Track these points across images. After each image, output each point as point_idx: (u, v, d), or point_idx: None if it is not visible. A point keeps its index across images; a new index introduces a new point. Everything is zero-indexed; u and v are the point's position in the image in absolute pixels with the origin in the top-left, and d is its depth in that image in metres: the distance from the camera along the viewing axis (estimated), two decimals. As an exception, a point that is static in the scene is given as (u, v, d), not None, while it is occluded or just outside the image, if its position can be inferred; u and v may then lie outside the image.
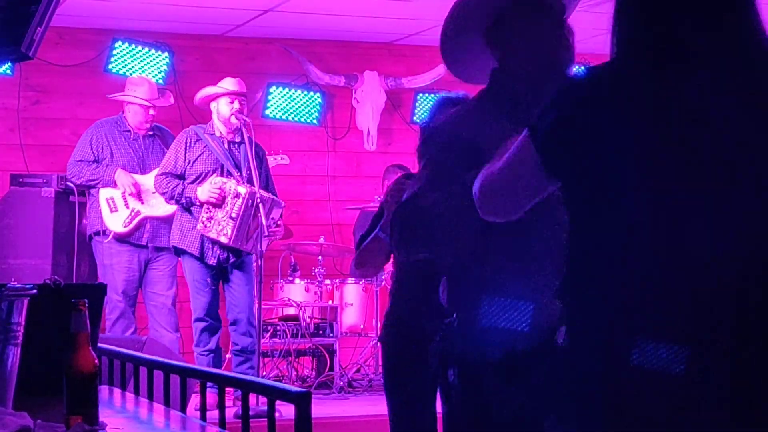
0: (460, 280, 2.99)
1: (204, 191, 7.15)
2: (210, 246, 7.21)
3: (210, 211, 7.15)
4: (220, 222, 7.12)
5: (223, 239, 7.12)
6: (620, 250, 2.21)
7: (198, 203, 7.19)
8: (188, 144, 7.32)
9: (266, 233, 7.07)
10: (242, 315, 7.29)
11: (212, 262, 7.23)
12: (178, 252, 7.38)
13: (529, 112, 2.46)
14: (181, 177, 7.28)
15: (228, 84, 7.47)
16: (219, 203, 7.13)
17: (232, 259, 7.25)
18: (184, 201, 7.24)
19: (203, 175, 7.25)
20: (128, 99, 7.86)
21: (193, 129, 7.44)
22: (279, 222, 7.43)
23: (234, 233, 7.10)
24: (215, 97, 7.43)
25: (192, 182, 7.24)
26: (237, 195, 7.12)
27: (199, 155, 7.30)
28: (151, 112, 7.86)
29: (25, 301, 2.56)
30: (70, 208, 7.86)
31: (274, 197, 7.32)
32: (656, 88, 2.22)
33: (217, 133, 7.39)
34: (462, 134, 3.09)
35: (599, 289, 2.22)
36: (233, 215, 7.11)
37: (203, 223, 7.15)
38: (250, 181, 7.16)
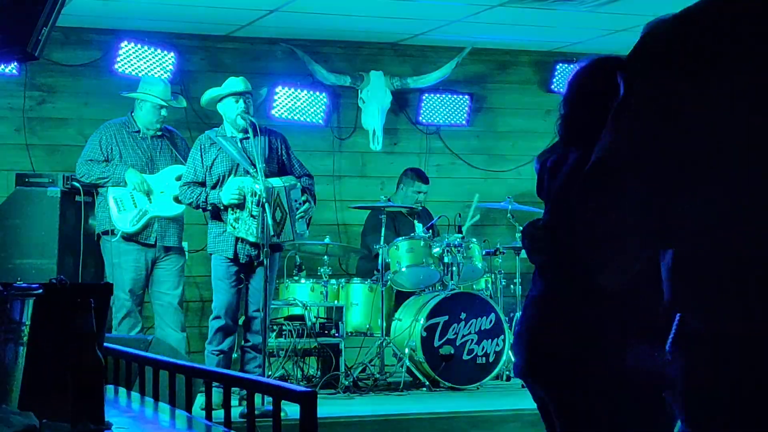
0: None
1: (226, 194, 7.21)
2: (242, 246, 7.29)
3: (235, 212, 7.21)
4: (246, 221, 7.17)
5: (251, 237, 7.18)
6: None
7: (223, 207, 7.24)
8: (203, 150, 7.38)
9: (272, 232, 7.07)
10: (259, 313, 7.31)
11: (244, 260, 7.31)
12: (212, 254, 7.46)
13: None
14: (203, 184, 7.34)
15: (231, 84, 7.47)
16: (242, 203, 7.18)
17: (261, 257, 7.29)
18: (210, 207, 7.30)
19: (222, 178, 7.30)
20: (142, 97, 7.86)
21: (206, 134, 7.50)
22: (302, 199, 7.42)
23: (259, 231, 7.14)
24: (220, 98, 7.44)
25: (213, 187, 7.30)
26: (254, 193, 7.14)
27: (215, 159, 7.35)
28: (164, 113, 7.86)
29: (31, 300, 2.57)
30: (76, 208, 7.87)
31: (283, 184, 7.29)
32: None
33: (229, 134, 7.42)
34: None
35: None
36: (254, 213, 7.15)
37: (232, 225, 7.23)
38: (269, 174, 7.22)
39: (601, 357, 3.37)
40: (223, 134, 7.44)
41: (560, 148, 3.54)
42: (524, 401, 7.45)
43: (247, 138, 7.34)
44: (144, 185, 7.67)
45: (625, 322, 3.38)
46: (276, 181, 7.25)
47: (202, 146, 7.40)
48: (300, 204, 7.34)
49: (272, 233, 7.08)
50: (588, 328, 3.38)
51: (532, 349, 3.50)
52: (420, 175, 9.31)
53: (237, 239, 7.29)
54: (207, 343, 7.40)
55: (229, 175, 7.30)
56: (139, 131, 7.85)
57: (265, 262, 7.07)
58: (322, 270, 8.54)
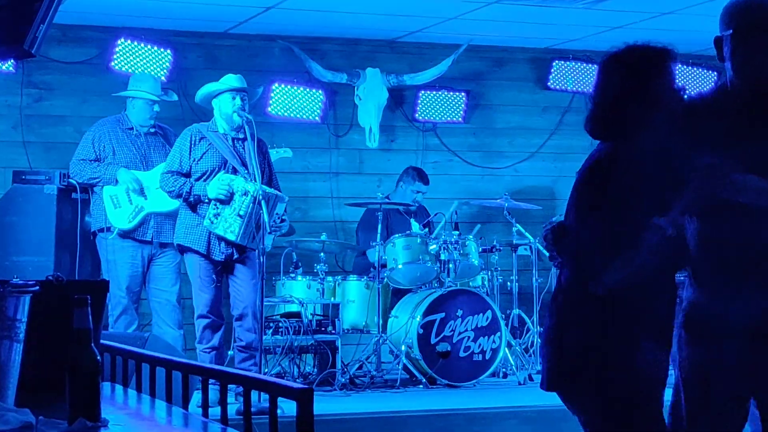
0: None
1: (213, 188, 7.14)
2: (217, 242, 7.22)
3: (217, 208, 7.15)
4: (227, 219, 7.11)
5: (230, 236, 7.11)
6: None
7: (207, 200, 7.19)
8: (193, 142, 7.31)
9: (269, 230, 7.05)
10: (248, 310, 7.28)
11: (219, 258, 7.24)
12: (183, 250, 7.37)
13: None
14: (187, 175, 7.28)
15: (229, 80, 7.45)
16: (227, 200, 7.13)
17: (236, 255, 7.26)
18: (192, 198, 7.23)
19: (209, 173, 7.25)
20: (133, 94, 7.86)
21: (197, 127, 7.42)
22: (283, 217, 7.43)
23: (241, 231, 7.09)
24: (217, 94, 7.41)
25: (197, 179, 7.24)
26: (245, 193, 7.09)
27: (204, 153, 7.29)
28: (156, 108, 7.86)
29: (28, 297, 2.57)
30: (72, 205, 7.87)
31: (278, 193, 7.31)
32: None
33: (221, 130, 7.37)
34: None
35: None
36: (241, 213, 7.09)
37: (210, 219, 7.14)
38: (255, 178, 7.17)
39: (612, 360, 3.32)
40: (214, 130, 7.38)
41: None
42: (521, 398, 7.50)
43: (240, 139, 7.31)
44: (136, 183, 7.67)
45: (635, 324, 3.33)
46: (269, 188, 7.23)
47: (192, 138, 7.31)
48: (279, 219, 7.31)
49: (269, 231, 7.06)
50: (597, 332, 3.33)
51: (552, 363, 3.43)
52: (421, 175, 9.29)
53: (210, 235, 7.24)
54: (197, 343, 7.33)
55: (217, 171, 7.26)
56: (132, 128, 7.85)
57: (261, 260, 7.05)
58: (318, 267, 8.54)
